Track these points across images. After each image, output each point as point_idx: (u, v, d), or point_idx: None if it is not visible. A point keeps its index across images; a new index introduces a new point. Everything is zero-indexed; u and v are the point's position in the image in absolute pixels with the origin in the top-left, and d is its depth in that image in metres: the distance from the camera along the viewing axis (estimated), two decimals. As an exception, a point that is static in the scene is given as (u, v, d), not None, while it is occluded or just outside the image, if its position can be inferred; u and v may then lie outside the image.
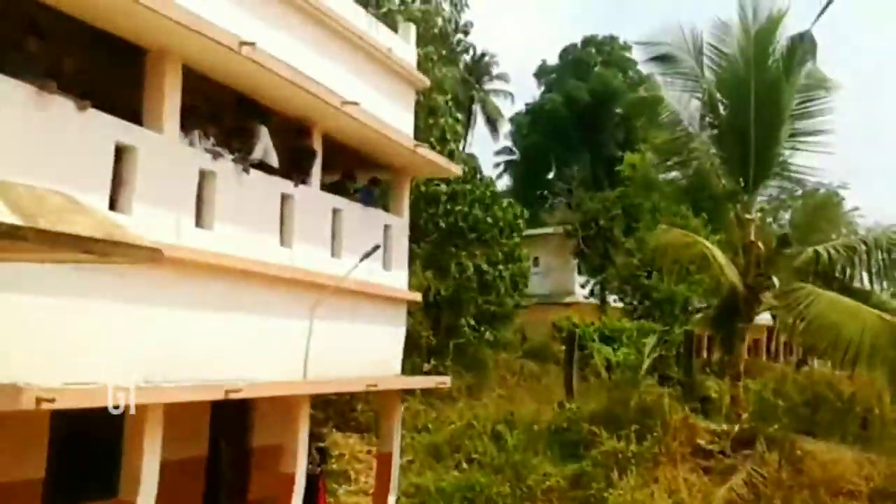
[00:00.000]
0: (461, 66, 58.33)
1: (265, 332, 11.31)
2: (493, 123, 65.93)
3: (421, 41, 19.40)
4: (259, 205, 11.50)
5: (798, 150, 18.40)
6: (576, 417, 18.94)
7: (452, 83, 50.86)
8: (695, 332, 22.19)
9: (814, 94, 18.47)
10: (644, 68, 41.15)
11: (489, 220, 23.59)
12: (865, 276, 17.51)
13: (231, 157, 10.99)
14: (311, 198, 12.81)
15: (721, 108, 18.75)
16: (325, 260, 13.04)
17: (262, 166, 11.66)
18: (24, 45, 8.16)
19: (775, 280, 17.84)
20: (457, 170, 17.44)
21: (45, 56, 8.32)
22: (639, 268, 32.64)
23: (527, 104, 60.80)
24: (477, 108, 63.92)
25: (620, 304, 35.01)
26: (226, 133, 11.42)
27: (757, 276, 17.94)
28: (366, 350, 14.03)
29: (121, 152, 9.13)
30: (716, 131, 18.90)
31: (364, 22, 14.71)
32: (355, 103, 12.88)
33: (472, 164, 30.06)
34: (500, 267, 25.24)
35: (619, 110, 52.32)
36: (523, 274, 27.24)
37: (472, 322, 24.75)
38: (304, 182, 12.54)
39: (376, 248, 13.54)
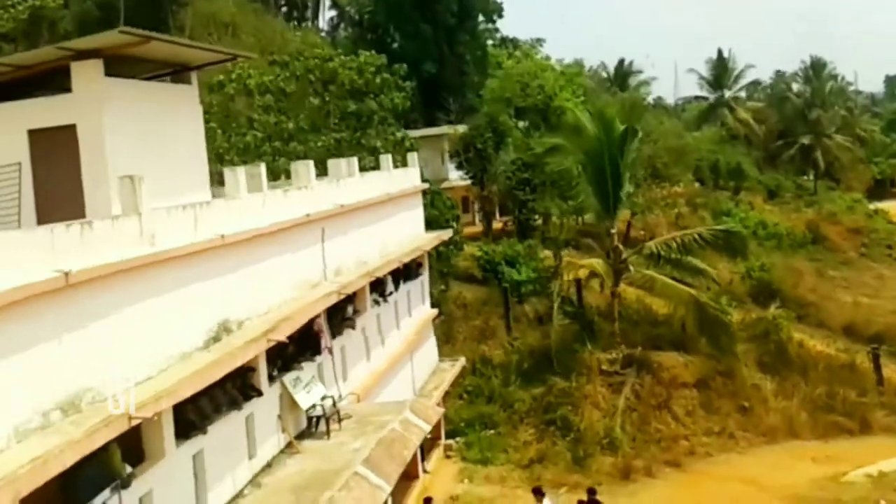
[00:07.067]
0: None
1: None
2: (339, 7, 76.05)
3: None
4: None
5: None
6: (521, 354, 31.64)
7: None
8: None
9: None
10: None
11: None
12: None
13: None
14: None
15: (589, 165, 30.81)
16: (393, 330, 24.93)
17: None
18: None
19: (631, 266, 30.67)
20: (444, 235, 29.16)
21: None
22: (515, 186, 45.17)
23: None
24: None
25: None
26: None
27: (619, 264, 30.69)
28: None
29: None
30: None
31: (400, 179, 25.84)
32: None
33: None
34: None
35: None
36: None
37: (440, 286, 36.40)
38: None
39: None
